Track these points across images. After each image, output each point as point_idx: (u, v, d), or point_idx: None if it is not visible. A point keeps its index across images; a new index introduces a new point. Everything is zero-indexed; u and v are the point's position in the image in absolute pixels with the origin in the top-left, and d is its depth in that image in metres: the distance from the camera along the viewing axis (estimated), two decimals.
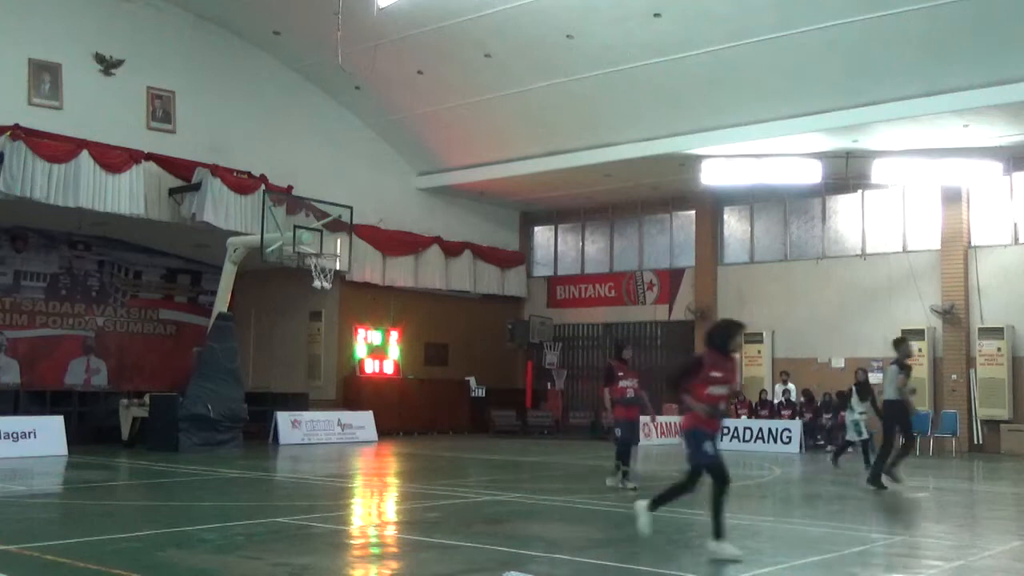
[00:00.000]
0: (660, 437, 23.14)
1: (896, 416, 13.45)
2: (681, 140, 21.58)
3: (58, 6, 19.54)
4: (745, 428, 21.70)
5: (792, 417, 21.89)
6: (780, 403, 22.66)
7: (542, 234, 29.48)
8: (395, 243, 25.05)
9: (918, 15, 16.69)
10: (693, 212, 26.17)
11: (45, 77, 19.17)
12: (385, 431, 23.19)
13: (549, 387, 27.65)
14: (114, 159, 19.01)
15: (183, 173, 20.26)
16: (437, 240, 26.07)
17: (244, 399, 19.38)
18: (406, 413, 24.89)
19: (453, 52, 20.76)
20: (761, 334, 24.51)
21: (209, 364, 18.91)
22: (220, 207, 20.23)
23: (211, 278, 23.51)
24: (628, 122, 21.73)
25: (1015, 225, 21.65)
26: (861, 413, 16.73)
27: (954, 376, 21.75)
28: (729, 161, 21.89)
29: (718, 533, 7.89)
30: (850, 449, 21.21)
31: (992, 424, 21.32)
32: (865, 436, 16.79)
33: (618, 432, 13.13)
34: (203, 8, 21.38)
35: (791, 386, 23.17)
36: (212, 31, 21.85)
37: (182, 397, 18.46)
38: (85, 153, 18.59)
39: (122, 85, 20.19)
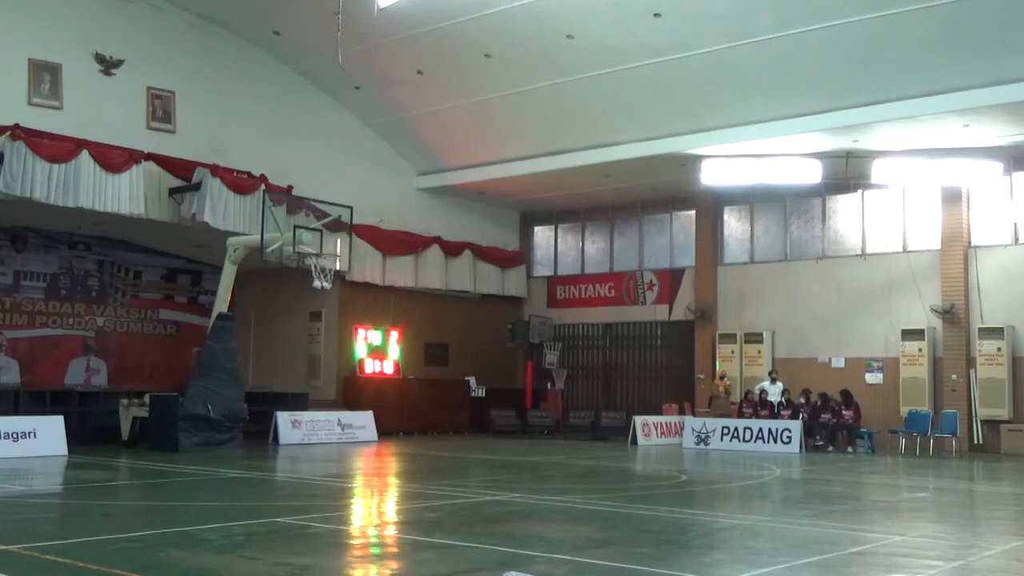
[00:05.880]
0: (660, 437, 23.18)
1: None
2: (681, 140, 21.58)
3: (58, 6, 19.53)
4: (745, 428, 21.69)
5: (792, 417, 21.89)
6: (780, 403, 22.65)
7: (542, 234, 29.48)
8: (395, 243, 25.05)
9: (918, 15, 16.68)
10: (693, 212, 26.17)
11: (45, 77, 19.16)
12: (385, 431, 23.18)
13: (549, 387, 27.63)
14: (114, 159, 19.01)
15: (183, 173, 20.26)
16: (437, 240, 26.07)
17: (244, 399, 19.37)
18: (406, 413, 24.89)
19: (453, 52, 20.76)
20: (761, 334, 24.52)
21: (209, 364, 18.91)
22: (220, 207, 20.24)
23: (211, 278, 23.52)
24: (628, 122, 21.73)
25: (1015, 225, 21.65)
26: None
27: (954, 376, 21.75)
28: (729, 161, 21.89)
29: None
30: (850, 449, 21.34)
31: (992, 424, 21.32)
32: None
33: None
34: (203, 8, 21.39)
35: (780, 384, 23.17)
36: (212, 31, 21.85)
37: (182, 397, 18.46)
38: (85, 153, 18.59)
39: (122, 85, 20.19)
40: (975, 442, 21.41)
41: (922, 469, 17.86)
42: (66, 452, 17.11)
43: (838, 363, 23.47)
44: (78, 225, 21.71)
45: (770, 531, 9.82)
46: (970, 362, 21.67)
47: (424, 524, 9.95)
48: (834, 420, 21.75)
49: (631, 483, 15.65)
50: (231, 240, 19.75)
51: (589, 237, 28.59)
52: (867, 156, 21.22)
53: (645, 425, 23.12)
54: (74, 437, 17.89)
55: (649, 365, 27.07)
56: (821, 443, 21.74)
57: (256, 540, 8.66)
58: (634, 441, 22.58)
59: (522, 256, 28.83)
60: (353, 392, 24.43)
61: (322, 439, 21.36)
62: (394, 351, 25.55)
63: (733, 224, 25.96)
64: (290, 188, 21.75)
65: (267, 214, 19.12)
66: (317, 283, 19.09)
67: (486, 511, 10.95)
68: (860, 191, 23.37)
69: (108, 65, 19.99)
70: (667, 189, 25.46)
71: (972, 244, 22.00)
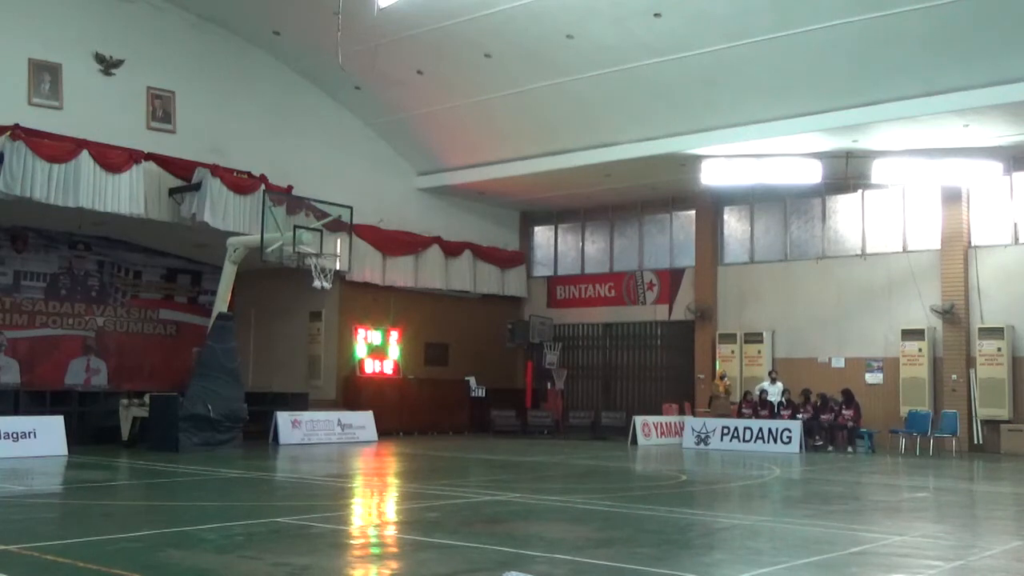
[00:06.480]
0: (660, 437, 23.18)
1: None
2: (681, 140, 21.57)
3: (58, 6, 19.53)
4: (745, 428, 21.68)
5: (792, 417, 21.88)
6: (780, 403, 22.65)
7: (542, 234, 29.48)
8: (395, 243, 25.05)
9: (918, 15, 16.68)
10: (693, 212, 26.16)
11: (45, 77, 19.16)
12: (385, 431, 23.17)
13: (549, 387, 27.63)
14: (114, 159, 19.01)
15: (183, 173, 20.25)
16: (437, 240, 26.07)
17: (244, 399, 19.37)
18: (406, 413, 24.88)
19: (453, 52, 20.76)
20: (761, 334, 24.52)
21: (209, 364, 18.90)
22: (220, 207, 20.23)
23: (211, 278, 23.52)
24: (628, 122, 21.73)
25: (1015, 225, 21.65)
26: None
27: (954, 376, 21.75)
28: (729, 161, 21.89)
29: None
30: (850, 449, 21.34)
31: (992, 424, 21.32)
32: None
33: None
34: (203, 8, 21.38)
35: (780, 384, 23.15)
36: (212, 31, 21.85)
37: (182, 397, 18.46)
38: (85, 153, 18.59)
39: (122, 85, 20.19)
40: (975, 442, 21.41)
41: (922, 469, 17.86)
42: (66, 452, 17.10)
43: (838, 363, 23.47)
44: (78, 225, 21.71)
45: (770, 531, 9.82)
46: (970, 362, 21.66)
47: (424, 524, 9.95)
48: (834, 420, 21.74)
49: (631, 483, 15.65)
50: (231, 240, 19.75)
51: (589, 237, 28.58)
52: (867, 156, 21.22)
53: (645, 425, 23.12)
54: (74, 437, 17.88)
55: (649, 365, 27.07)
56: (821, 443, 21.74)
57: (256, 540, 8.66)
58: (634, 441, 22.57)
59: (522, 256, 28.83)
60: (353, 392, 24.43)
61: (322, 439, 21.36)
62: (394, 351, 25.55)
63: (733, 224, 25.96)
64: (290, 188, 21.75)
65: (267, 214, 19.12)
66: (317, 283, 19.09)
67: (486, 511, 10.95)
68: (860, 191, 23.36)
69: (108, 65, 19.99)
70: (667, 189, 25.45)
71: (972, 244, 22.00)
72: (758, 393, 22.95)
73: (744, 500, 13.32)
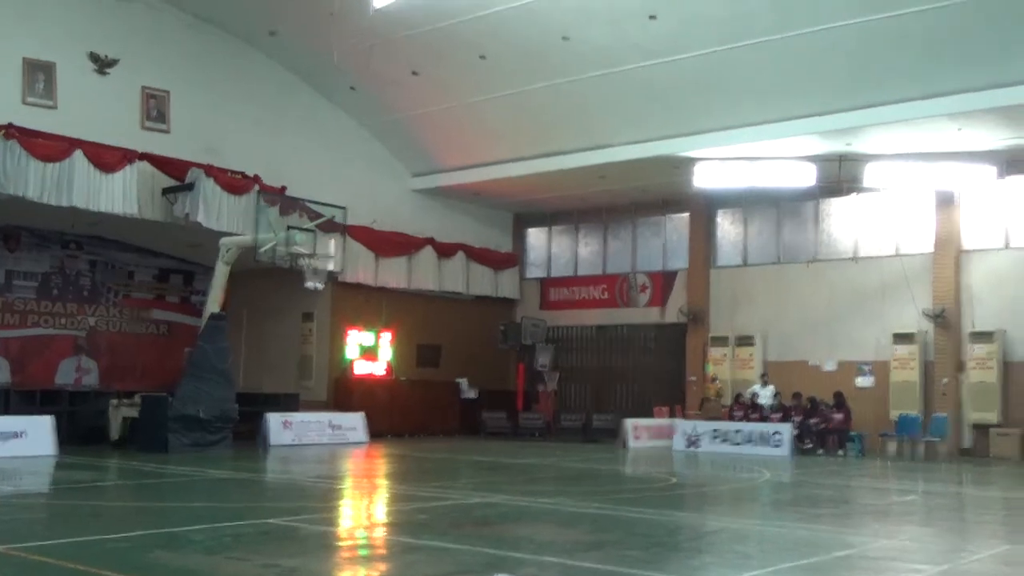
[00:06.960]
0: (651, 440, 23.17)
1: None
2: (675, 142, 21.59)
3: (53, 5, 19.49)
4: (735, 431, 21.69)
5: (783, 420, 21.89)
6: (771, 406, 22.66)
7: (535, 236, 29.47)
8: (388, 244, 25.03)
9: (912, 18, 16.73)
10: (686, 214, 26.19)
11: (39, 76, 19.13)
12: (376, 432, 23.12)
13: (541, 389, 27.62)
14: (108, 159, 18.99)
15: (177, 173, 20.22)
16: (430, 241, 26.05)
17: (235, 400, 19.32)
18: (397, 415, 24.85)
19: (448, 53, 20.77)
20: (753, 337, 24.53)
21: (200, 364, 18.85)
22: (213, 207, 20.20)
23: (203, 278, 23.48)
24: (622, 124, 21.75)
25: (1007, 230, 21.69)
26: None
27: (945, 380, 21.79)
28: (723, 164, 21.92)
29: None
30: (840, 452, 21.37)
31: (982, 428, 21.36)
32: None
33: None
34: (198, 8, 21.36)
35: (771, 387, 23.15)
36: (207, 31, 21.83)
37: (172, 397, 18.42)
38: (79, 152, 18.57)
39: (116, 85, 20.16)
40: (965, 446, 21.45)
41: (911, 473, 17.90)
42: (55, 452, 17.05)
43: (829, 367, 23.49)
44: (71, 224, 21.67)
45: (759, 534, 9.84)
46: (961, 366, 21.70)
47: (413, 526, 9.95)
48: (823, 424, 21.75)
49: (621, 486, 15.65)
50: (224, 240, 19.72)
51: (582, 239, 28.59)
52: (860, 159, 21.26)
53: (636, 427, 23.11)
54: (64, 437, 17.81)
55: (641, 368, 27.07)
56: (811, 446, 21.76)
57: (244, 541, 8.65)
58: (625, 444, 22.57)
59: (515, 258, 28.82)
60: (344, 393, 24.39)
61: (313, 440, 21.28)
62: (386, 352, 25.49)
63: (726, 227, 25.99)
64: (284, 189, 21.73)
65: (260, 214, 19.13)
66: (310, 284, 19.09)
67: (476, 513, 10.96)
68: (853, 194, 23.37)
69: (102, 64, 19.97)
70: (661, 191, 25.46)
71: (964, 248, 22.03)
72: (749, 396, 22.97)
73: (734, 503, 13.34)
